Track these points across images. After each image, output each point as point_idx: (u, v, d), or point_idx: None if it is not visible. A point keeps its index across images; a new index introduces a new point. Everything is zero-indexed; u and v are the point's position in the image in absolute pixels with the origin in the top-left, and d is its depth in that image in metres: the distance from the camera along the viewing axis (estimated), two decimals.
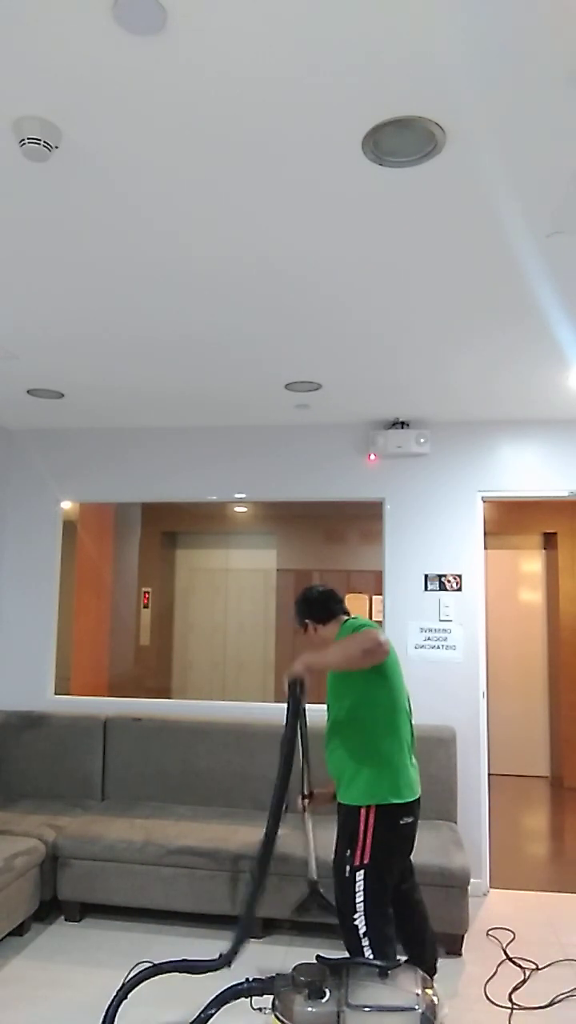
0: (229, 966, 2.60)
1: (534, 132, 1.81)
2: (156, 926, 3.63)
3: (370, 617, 6.67)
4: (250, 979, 2.42)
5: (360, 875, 2.64)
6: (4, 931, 3.23)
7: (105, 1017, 2.51)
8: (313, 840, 3.35)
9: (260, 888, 2.71)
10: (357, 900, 2.64)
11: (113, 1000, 2.55)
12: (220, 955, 2.60)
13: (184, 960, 2.64)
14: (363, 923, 2.63)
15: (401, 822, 2.69)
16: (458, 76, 1.63)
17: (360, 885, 2.64)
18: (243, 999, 2.45)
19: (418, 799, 2.74)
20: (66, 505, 4.85)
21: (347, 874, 2.67)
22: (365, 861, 2.64)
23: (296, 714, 2.74)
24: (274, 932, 3.55)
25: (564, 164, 1.93)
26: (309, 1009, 2.16)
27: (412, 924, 2.87)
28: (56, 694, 4.67)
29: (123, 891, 3.58)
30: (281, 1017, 2.19)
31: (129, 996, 2.55)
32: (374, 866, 2.64)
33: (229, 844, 3.55)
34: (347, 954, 2.68)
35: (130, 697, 4.70)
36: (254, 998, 2.62)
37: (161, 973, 2.61)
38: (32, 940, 3.46)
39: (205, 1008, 2.50)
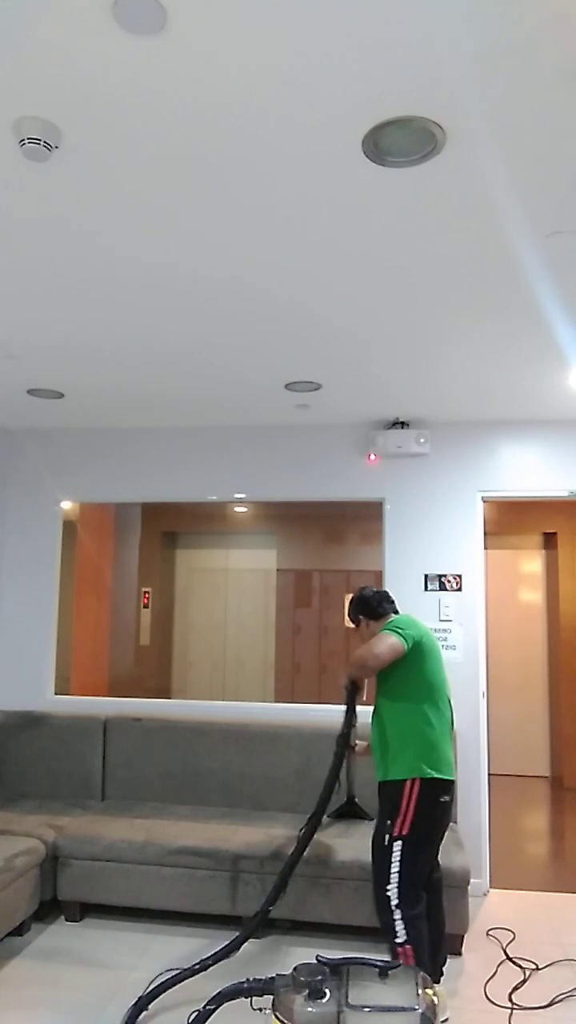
0: (239, 948, 2.87)
1: (534, 132, 1.81)
2: (156, 926, 3.62)
3: None
4: (250, 979, 2.42)
5: (398, 845, 2.74)
6: (4, 931, 3.23)
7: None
8: (352, 768, 3.79)
9: (286, 882, 2.93)
10: (392, 870, 2.73)
11: (134, 1008, 2.69)
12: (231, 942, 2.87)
13: (201, 962, 2.85)
14: (395, 894, 2.71)
15: (441, 799, 2.80)
16: (458, 76, 1.63)
17: (397, 856, 2.73)
18: (243, 999, 2.46)
19: (454, 781, 2.86)
20: (66, 505, 4.85)
21: (385, 843, 2.77)
22: (404, 832, 2.74)
23: (351, 715, 3.05)
24: (274, 932, 3.55)
25: (564, 164, 1.93)
26: (309, 1009, 2.16)
27: (433, 918, 2.93)
28: (56, 694, 4.67)
29: (123, 891, 3.58)
30: (281, 1017, 2.19)
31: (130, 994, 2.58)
32: (412, 837, 2.74)
33: (229, 844, 3.55)
34: (379, 932, 2.86)
35: (130, 697, 4.69)
36: (254, 998, 2.62)
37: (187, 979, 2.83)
38: (32, 940, 3.46)
39: (205, 1005, 2.50)
